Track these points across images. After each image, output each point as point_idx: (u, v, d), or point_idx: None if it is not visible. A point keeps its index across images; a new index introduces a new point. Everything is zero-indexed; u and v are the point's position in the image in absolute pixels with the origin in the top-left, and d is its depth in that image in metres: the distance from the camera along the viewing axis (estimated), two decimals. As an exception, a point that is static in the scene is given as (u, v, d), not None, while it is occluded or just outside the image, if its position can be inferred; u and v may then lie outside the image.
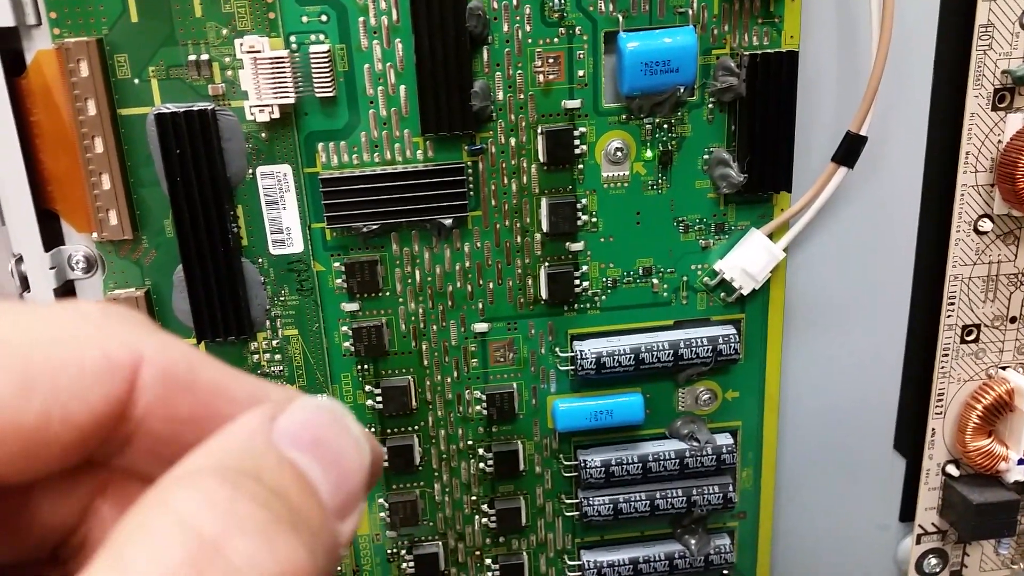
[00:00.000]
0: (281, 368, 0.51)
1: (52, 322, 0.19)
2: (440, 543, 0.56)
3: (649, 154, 0.49)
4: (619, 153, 0.48)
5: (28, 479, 0.18)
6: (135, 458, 0.20)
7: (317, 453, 0.18)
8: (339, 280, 0.50)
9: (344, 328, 0.51)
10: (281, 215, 0.48)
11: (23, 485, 0.19)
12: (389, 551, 0.56)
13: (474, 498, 0.56)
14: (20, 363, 0.17)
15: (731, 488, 0.55)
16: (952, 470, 0.59)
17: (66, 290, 0.49)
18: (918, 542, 0.61)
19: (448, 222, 0.48)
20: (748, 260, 0.50)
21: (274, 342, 0.51)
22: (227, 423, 0.18)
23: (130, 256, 0.48)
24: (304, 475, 0.18)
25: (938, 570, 0.62)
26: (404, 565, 0.57)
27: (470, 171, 0.48)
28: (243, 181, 0.47)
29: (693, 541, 0.57)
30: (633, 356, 0.51)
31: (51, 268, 0.47)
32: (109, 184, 0.45)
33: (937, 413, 0.57)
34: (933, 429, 0.58)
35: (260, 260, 0.49)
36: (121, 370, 0.18)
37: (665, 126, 0.48)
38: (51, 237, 0.48)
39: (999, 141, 0.51)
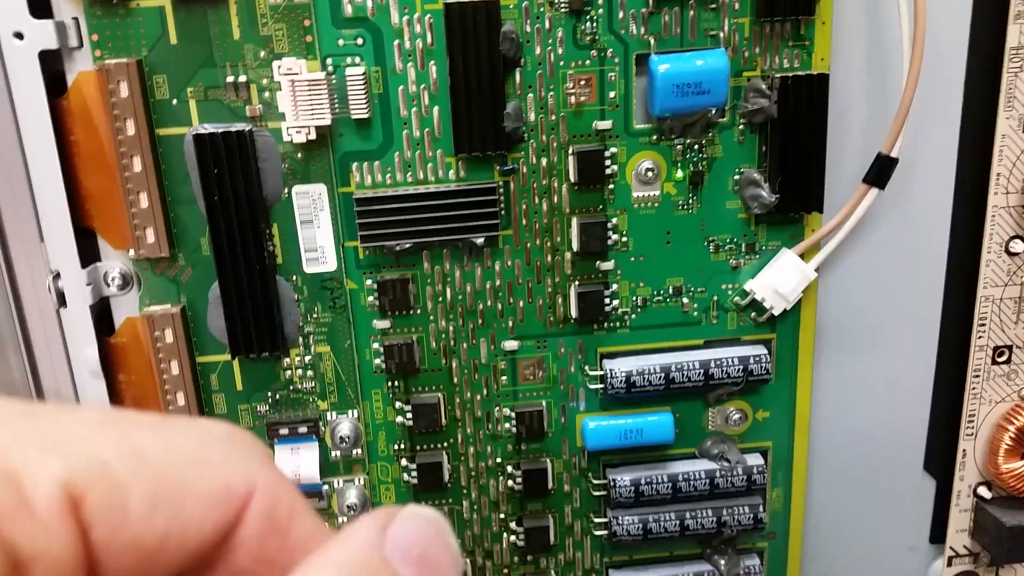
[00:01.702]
0: (313, 384, 0.51)
1: (184, 441, 0.19)
2: (468, 561, 0.56)
3: (680, 174, 0.49)
4: (650, 173, 0.48)
5: None
6: None
7: (423, 568, 0.19)
8: (371, 298, 0.50)
9: (375, 345, 0.51)
10: (315, 234, 0.48)
11: None
12: (418, 568, 0.56)
13: (502, 516, 0.55)
14: (152, 481, 0.18)
15: (761, 508, 0.55)
16: (984, 492, 0.58)
17: (102, 307, 0.49)
18: (949, 564, 0.60)
19: (479, 241, 0.48)
20: (779, 280, 0.50)
21: (307, 358, 0.51)
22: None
23: (166, 273, 0.48)
24: None
25: (969, 593, 0.61)
26: (433, 582, 0.56)
27: (501, 191, 0.48)
28: (279, 200, 0.47)
29: (723, 562, 0.56)
30: (663, 375, 0.51)
31: (88, 284, 0.47)
32: (147, 202, 0.46)
33: (968, 434, 0.56)
34: (964, 450, 0.57)
35: (294, 278, 0.49)
36: (237, 500, 0.19)
37: (696, 147, 0.48)
38: (88, 254, 0.48)
39: (1031, 163, 0.51)
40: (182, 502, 0.18)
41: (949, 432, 0.57)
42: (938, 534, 0.60)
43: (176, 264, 0.48)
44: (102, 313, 0.49)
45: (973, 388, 0.55)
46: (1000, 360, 0.55)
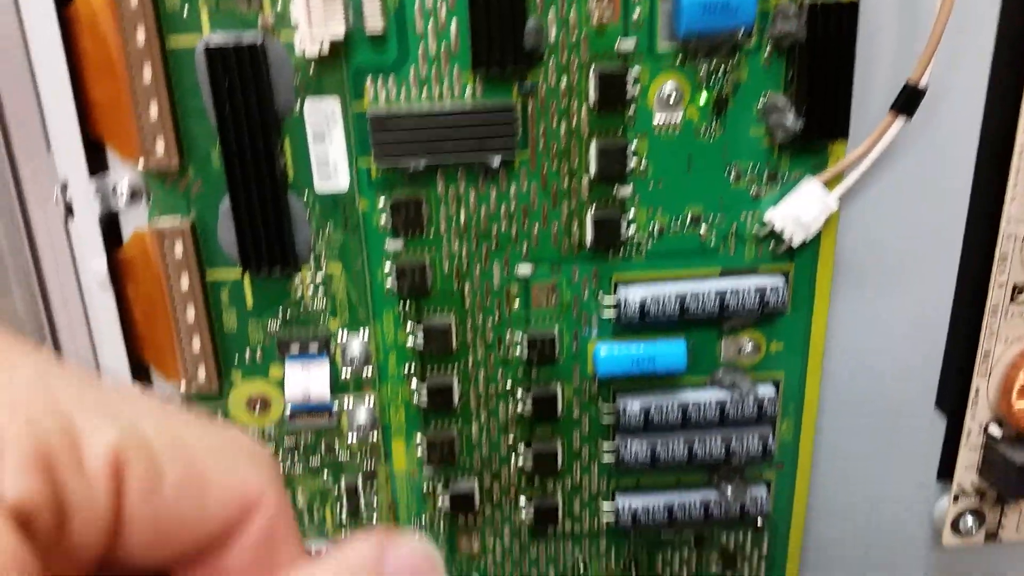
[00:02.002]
0: (324, 303, 0.51)
1: (215, 439, 0.21)
2: (476, 481, 0.56)
3: (703, 99, 0.47)
4: (672, 97, 0.46)
5: (131, 564, 0.20)
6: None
7: None
8: (383, 218, 0.49)
9: (387, 266, 0.50)
10: (328, 150, 0.47)
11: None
12: (425, 488, 0.56)
13: (511, 439, 0.55)
14: (185, 467, 0.20)
15: (771, 438, 0.54)
16: (995, 430, 0.57)
17: (110, 219, 0.48)
18: (955, 501, 0.60)
19: (495, 162, 0.47)
20: (801, 209, 0.49)
21: (318, 277, 0.50)
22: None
23: (176, 186, 0.47)
24: None
25: (974, 530, 0.61)
26: (439, 501, 0.56)
27: (519, 111, 0.47)
28: (290, 114, 0.46)
29: (729, 490, 0.56)
30: (678, 303, 0.50)
31: (96, 195, 0.46)
32: (156, 113, 0.44)
33: (982, 372, 0.56)
34: (977, 388, 0.56)
35: (306, 195, 0.48)
36: (248, 506, 0.21)
37: (721, 70, 0.46)
38: (96, 166, 0.47)
39: (1065, 96, 0.49)
40: (204, 493, 0.20)
41: (963, 370, 0.56)
42: (946, 472, 0.60)
43: (186, 177, 0.47)
44: (110, 226, 0.48)
45: (990, 326, 0.54)
46: (1019, 299, 0.54)
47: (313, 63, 0.45)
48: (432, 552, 0.22)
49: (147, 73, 0.43)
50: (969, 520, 0.60)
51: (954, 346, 0.56)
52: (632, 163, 0.48)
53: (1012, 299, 0.54)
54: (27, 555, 0.17)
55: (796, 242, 0.49)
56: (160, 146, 0.45)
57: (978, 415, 0.57)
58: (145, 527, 0.19)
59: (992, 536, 0.61)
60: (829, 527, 0.61)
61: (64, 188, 0.46)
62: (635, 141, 0.48)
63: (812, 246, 0.51)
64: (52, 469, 0.18)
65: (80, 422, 0.18)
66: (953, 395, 0.57)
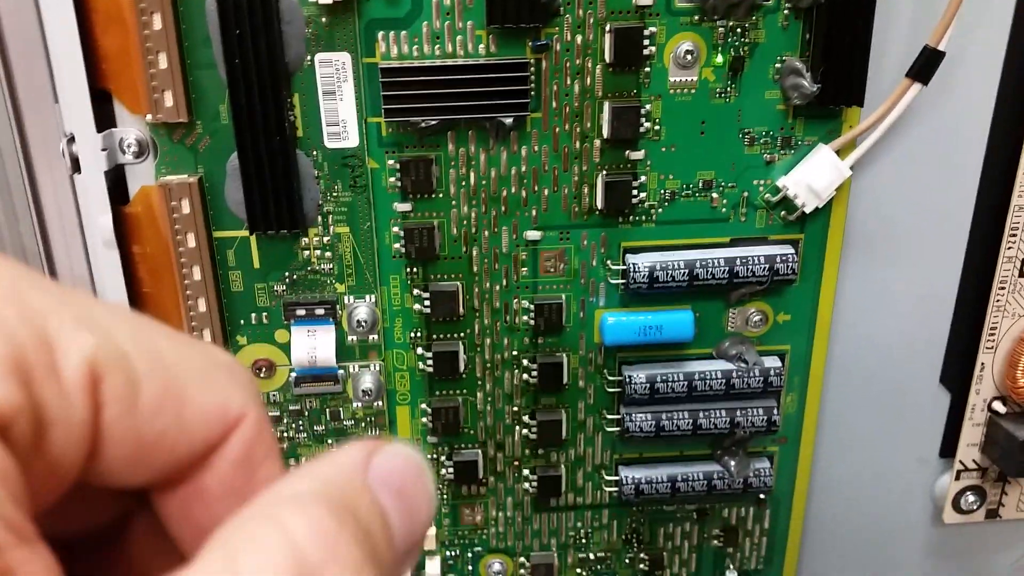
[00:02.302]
0: (331, 266, 0.50)
1: (195, 355, 0.20)
2: (479, 451, 0.55)
3: (720, 59, 0.46)
4: (688, 56, 0.46)
5: (111, 483, 0.19)
6: (166, 498, 0.21)
7: (400, 502, 0.20)
8: (393, 178, 0.48)
9: (395, 229, 0.49)
10: (338, 106, 0.46)
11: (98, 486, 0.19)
12: (429, 456, 0.55)
13: (516, 409, 0.54)
14: (164, 381, 0.19)
15: (775, 411, 0.54)
16: (998, 407, 0.57)
17: (116, 175, 0.47)
18: (957, 478, 0.59)
19: (508, 121, 0.46)
20: (814, 176, 0.48)
21: (325, 239, 0.49)
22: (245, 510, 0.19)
23: (184, 141, 0.46)
24: (388, 520, 0.19)
25: (975, 507, 0.60)
26: (443, 471, 0.55)
27: (533, 68, 0.46)
28: (301, 68, 0.45)
29: (733, 463, 0.56)
30: (687, 271, 0.49)
31: (103, 150, 0.45)
32: (166, 63, 0.43)
33: (988, 348, 0.55)
34: (982, 364, 0.55)
35: (314, 153, 0.47)
36: (228, 424, 0.20)
37: (738, 30, 0.46)
38: (104, 119, 0.46)
39: (1080, 66, 0.48)
40: (183, 409, 0.19)
41: (968, 345, 0.55)
42: (948, 448, 0.59)
43: (194, 132, 0.46)
44: (117, 181, 0.47)
45: (997, 300, 0.54)
46: (1028, 272, 0.53)
47: (325, 16, 0.44)
48: (417, 457, 0.21)
49: (157, 22, 0.42)
50: (970, 497, 0.60)
51: (960, 321, 0.55)
52: (645, 126, 0.47)
53: (1021, 273, 0.53)
54: (6, 460, 0.16)
55: (808, 209, 0.49)
56: (168, 99, 0.44)
57: (983, 391, 0.56)
58: (124, 443, 0.18)
59: (992, 513, 0.61)
60: (831, 502, 0.60)
61: (71, 141, 0.45)
62: (649, 104, 0.47)
63: (823, 215, 0.50)
64: (28, 377, 0.17)
65: (56, 332, 0.17)
66: (958, 371, 0.56)
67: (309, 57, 0.45)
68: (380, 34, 0.45)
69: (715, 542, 0.60)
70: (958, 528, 0.62)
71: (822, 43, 0.45)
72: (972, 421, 0.57)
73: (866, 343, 0.55)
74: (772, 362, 0.53)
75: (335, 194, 0.48)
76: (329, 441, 0.54)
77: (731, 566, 0.61)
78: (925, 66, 0.46)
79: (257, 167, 0.45)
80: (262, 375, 0.51)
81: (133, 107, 0.45)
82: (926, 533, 0.62)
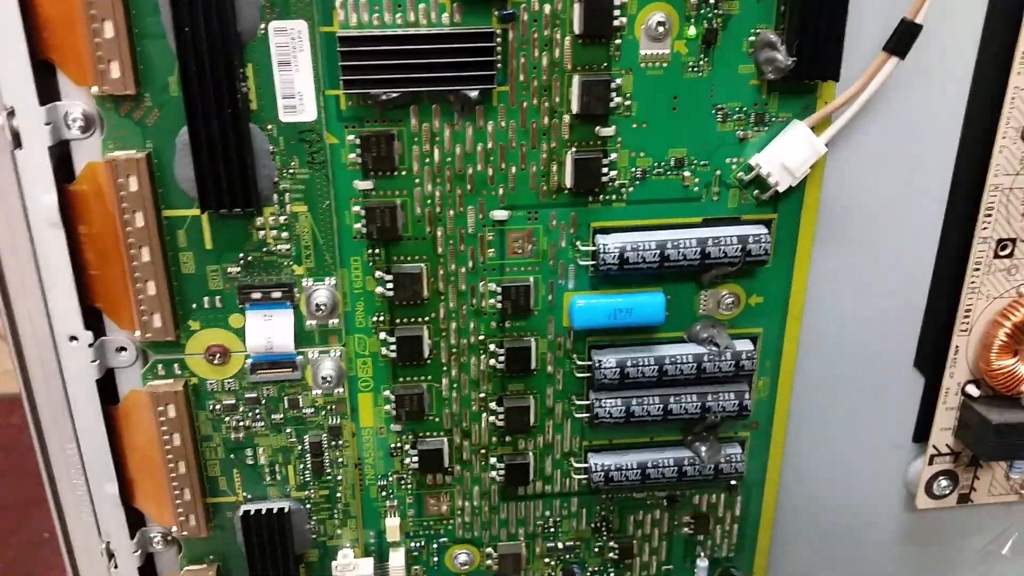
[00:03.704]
0: (289, 247, 0.47)
1: None
2: (445, 439, 0.53)
3: (692, 32, 0.44)
4: (660, 28, 0.43)
5: None
6: None
7: None
8: (353, 154, 0.45)
9: (356, 208, 0.46)
10: (294, 78, 0.43)
11: None
12: (393, 445, 0.52)
13: (482, 395, 0.52)
14: None
15: (747, 396, 0.51)
16: (972, 390, 0.55)
17: (61, 151, 0.44)
18: (930, 463, 0.57)
19: (473, 94, 0.43)
20: (788, 154, 0.46)
21: (282, 218, 0.46)
22: None
23: (132, 115, 0.43)
24: None
25: (948, 492, 0.58)
26: (407, 460, 0.53)
27: (499, 40, 0.43)
28: (254, 37, 0.42)
29: (704, 448, 0.53)
30: (658, 252, 0.47)
31: (46, 124, 0.42)
32: (112, 31, 0.40)
33: (963, 330, 0.53)
34: (957, 347, 0.54)
35: (269, 127, 0.44)
36: None
37: (712, 1, 0.43)
38: (47, 92, 0.42)
39: (1058, 42, 0.47)
40: None
41: (943, 329, 0.54)
42: (921, 434, 0.57)
43: (142, 104, 0.43)
44: (62, 158, 0.44)
45: (972, 282, 0.52)
46: (1003, 254, 0.52)
47: (280, -20, 0.41)
48: None
49: (100, -14, 0.39)
50: (943, 482, 0.58)
51: (935, 303, 0.53)
52: (616, 100, 0.45)
53: (996, 254, 0.52)
54: None
55: (782, 187, 0.47)
56: (115, 70, 0.41)
57: (957, 375, 0.55)
58: None
59: (964, 498, 0.59)
60: (803, 488, 0.58)
61: (11, 115, 0.42)
62: (620, 78, 0.44)
63: (796, 195, 0.48)
64: None
65: None
66: (932, 355, 0.55)
67: (263, 25, 0.42)
68: (338, 1, 0.42)
69: (686, 529, 0.57)
70: (930, 513, 0.60)
71: (797, 15, 0.43)
72: (946, 405, 0.56)
73: (840, 326, 0.53)
74: (744, 345, 0.51)
75: (292, 171, 0.45)
76: (288, 430, 0.51)
77: (702, 553, 0.58)
78: (902, 40, 0.44)
79: (208, 142, 0.42)
80: (216, 362, 0.48)
81: (78, 78, 0.42)
82: (899, 518, 0.61)
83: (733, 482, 0.56)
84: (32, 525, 0.94)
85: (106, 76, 0.41)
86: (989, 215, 0.50)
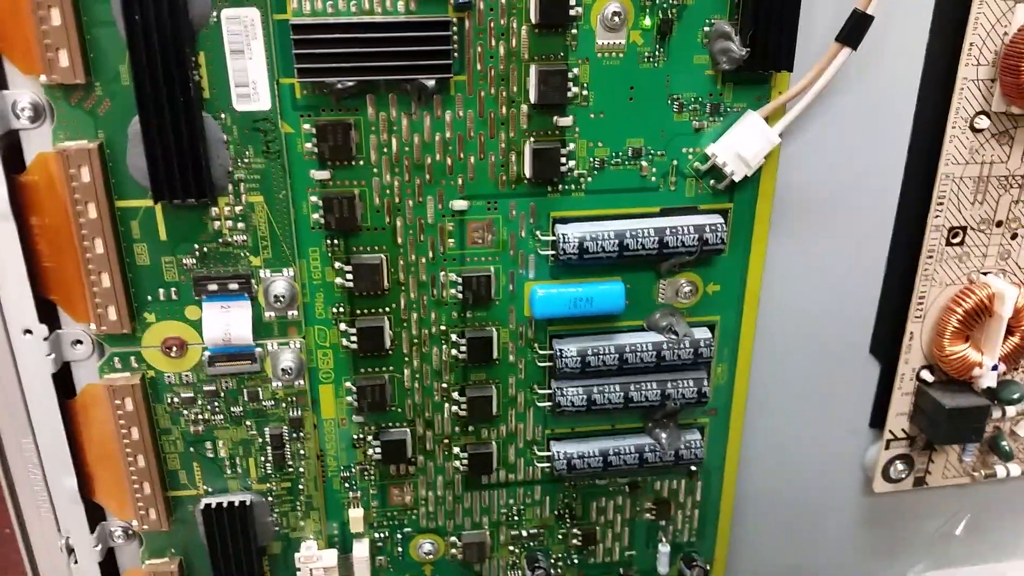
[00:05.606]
0: (245, 238, 0.45)
1: None
2: (408, 430, 0.51)
3: (648, 22, 0.43)
4: (616, 18, 0.42)
5: None
6: None
7: None
8: (309, 144, 0.44)
9: (313, 198, 0.45)
10: (247, 66, 0.41)
11: None
12: (355, 436, 0.51)
13: (444, 385, 0.50)
14: None
15: (705, 383, 0.51)
16: (927, 375, 0.55)
17: (10, 140, 0.42)
18: (887, 447, 0.57)
19: (430, 83, 0.42)
20: (742, 144, 0.45)
21: (237, 208, 0.44)
22: None
23: (82, 105, 0.41)
24: None
25: (904, 476, 0.58)
26: (370, 451, 0.51)
27: (455, 28, 0.42)
28: (206, 25, 0.40)
29: (664, 435, 0.53)
30: (617, 242, 0.46)
31: (-7, 113, 0.40)
32: (59, 19, 0.39)
33: (917, 317, 0.53)
34: (911, 333, 0.53)
35: (223, 116, 0.42)
36: None
37: (667, -10, 0.42)
38: (-6, 81, 0.41)
39: (1005, 33, 0.46)
40: None
41: (898, 315, 0.53)
42: (878, 419, 0.57)
43: (93, 94, 0.41)
44: (11, 147, 0.42)
45: (925, 270, 0.52)
46: (954, 242, 0.51)
47: (232, -32, 0.39)
48: None
49: (46, -27, 0.38)
50: (899, 466, 0.58)
51: (890, 290, 0.53)
52: (573, 90, 0.44)
53: (948, 242, 0.51)
54: None
55: (738, 177, 0.46)
56: (64, 58, 0.39)
57: (911, 360, 0.54)
58: None
59: (920, 481, 0.59)
60: (762, 473, 0.58)
61: (-44, 105, 0.40)
62: (576, 67, 0.43)
63: (752, 184, 0.48)
64: None
65: None
66: (887, 341, 0.54)
67: (215, 13, 0.40)
68: (291, -12, 0.40)
69: (647, 515, 0.57)
70: (887, 496, 0.60)
71: (751, 6, 0.42)
72: (901, 390, 0.55)
73: (796, 313, 0.53)
74: (702, 333, 0.50)
75: (247, 160, 0.43)
76: (248, 423, 0.49)
77: (664, 539, 0.58)
78: (854, 30, 0.43)
79: (160, 131, 0.41)
80: (173, 354, 0.47)
81: (24, 66, 0.40)
82: (856, 502, 0.60)
83: (693, 468, 0.55)
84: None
85: (54, 64, 0.39)
86: (941, 204, 0.50)
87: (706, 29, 0.43)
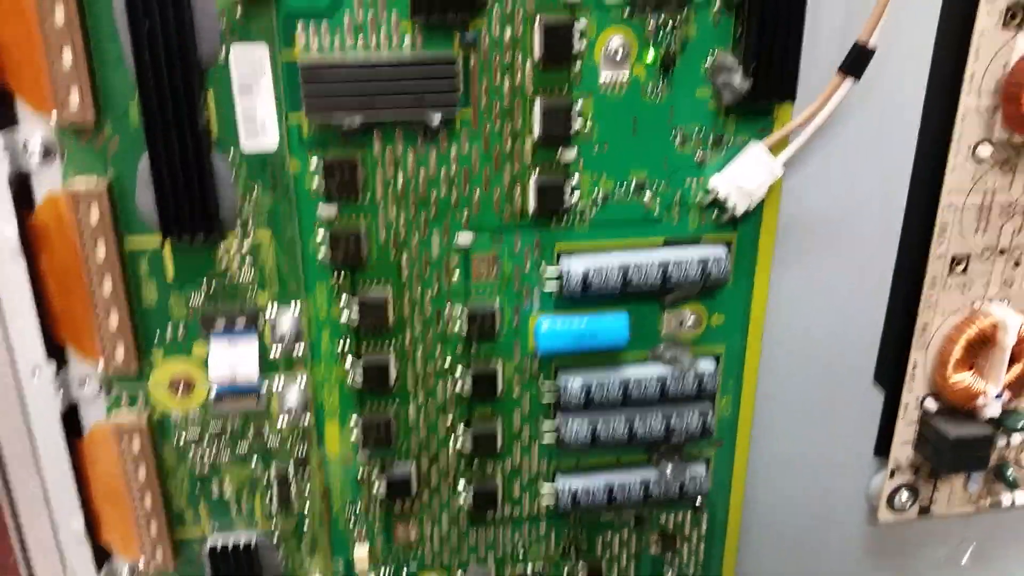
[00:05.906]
0: (252, 275, 0.45)
1: None
2: (413, 465, 0.51)
3: (651, 57, 0.43)
4: (619, 53, 0.42)
5: None
6: None
7: None
8: (316, 180, 0.44)
9: (320, 234, 0.45)
10: (255, 104, 0.41)
11: None
12: (360, 473, 0.51)
13: (449, 420, 0.50)
14: None
15: (710, 415, 0.51)
16: (930, 404, 0.54)
17: (21, 181, 0.42)
18: (891, 476, 0.57)
19: (435, 119, 0.42)
20: (745, 176, 0.45)
21: (244, 245, 0.44)
22: None
23: (92, 144, 0.41)
24: None
25: (908, 505, 0.58)
26: (375, 487, 0.51)
27: (460, 64, 0.42)
28: (215, 63, 0.41)
29: (669, 468, 0.52)
30: (621, 274, 0.46)
31: (4, 150, 0.40)
32: (71, 59, 0.39)
33: (920, 345, 0.53)
34: (915, 361, 0.53)
35: (231, 154, 0.42)
36: None
37: (669, 25, 0.43)
38: (5, 119, 0.41)
39: (1006, 63, 0.47)
40: None
41: (902, 343, 0.53)
42: (883, 447, 0.57)
43: (103, 133, 0.41)
44: (21, 188, 0.42)
45: (928, 298, 0.52)
46: (957, 270, 0.51)
47: (240, 6, 0.40)
48: None
49: (59, 13, 0.38)
50: (904, 495, 0.58)
51: (893, 319, 0.53)
52: (577, 124, 0.44)
53: (950, 271, 0.51)
54: None
55: (740, 211, 0.46)
56: (75, 98, 0.40)
57: (915, 389, 0.54)
58: None
59: (925, 510, 0.59)
60: (767, 504, 0.57)
61: (-35, 144, 0.40)
62: (580, 101, 0.44)
63: (755, 215, 0.48)
64: None
65: None
66: (891, 369, 0.54)
67: (224, 51, 0.40)
68: (300, 25, 0.41)
69: (653, 549, 0.56)
70: (892, 526, 0.60)
71: (754, 38, 0.42)
72: (906, 419, 0.55)
73: (800, 343, 0.53)
74: (707, 364, 0.50)
75: (254, 197, 0.43)
76: (254, 460, 0.49)
77: (670, 572, 0.57)
78: (856, 61, 0.43)
79: (169, 170, 0.41)
80: (180, 394, 0.47)
81: (36, 105, 0.40)
82: (861, 532, 0.60)
83: (699, 501, 0.55)
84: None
85: (65, 104, 0.40)
86: (944, 232, 0.50)
87: (709, 62, 0.44)
